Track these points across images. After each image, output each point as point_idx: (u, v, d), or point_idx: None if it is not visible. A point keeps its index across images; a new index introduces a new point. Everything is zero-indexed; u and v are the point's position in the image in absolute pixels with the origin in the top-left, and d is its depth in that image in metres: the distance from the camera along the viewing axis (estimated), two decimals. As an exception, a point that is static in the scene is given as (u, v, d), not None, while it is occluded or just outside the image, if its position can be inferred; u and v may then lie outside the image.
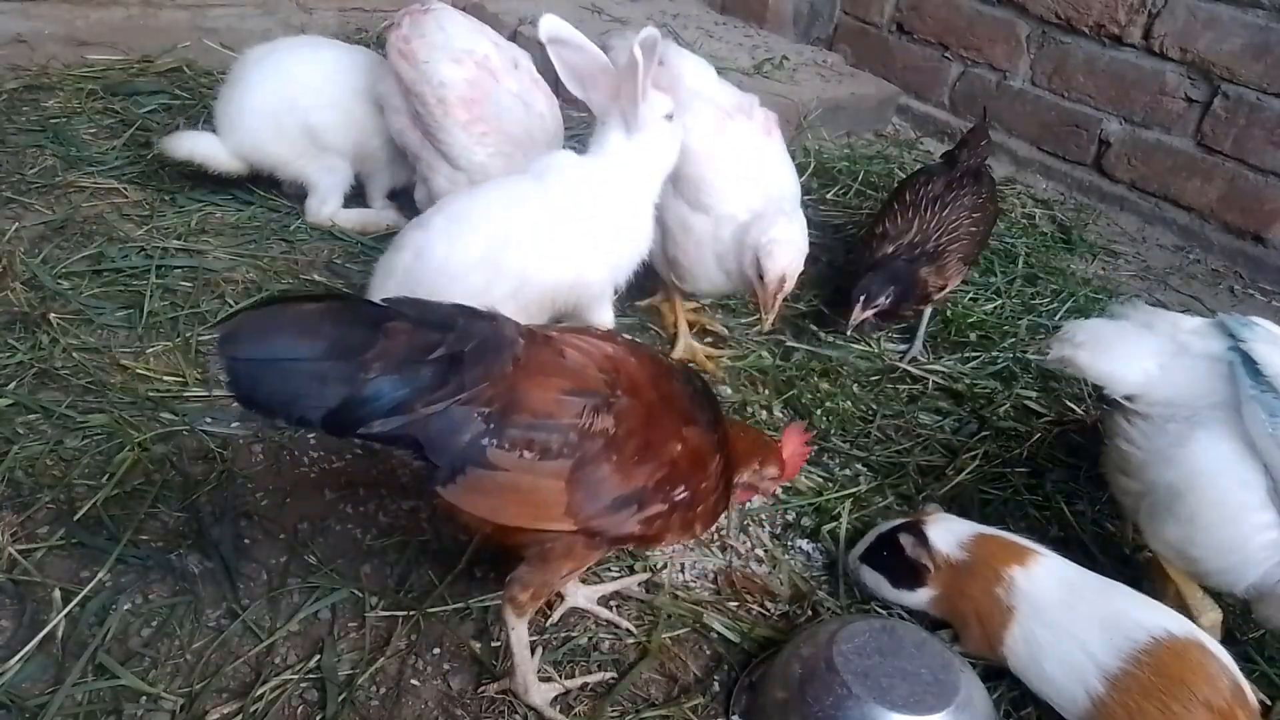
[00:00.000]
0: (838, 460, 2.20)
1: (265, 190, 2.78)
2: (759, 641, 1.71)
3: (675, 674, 1.64)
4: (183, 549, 1.69)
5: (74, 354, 2.07)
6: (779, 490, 2.03)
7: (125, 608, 1.57)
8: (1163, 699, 1.43)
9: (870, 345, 2.63)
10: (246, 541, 1.73)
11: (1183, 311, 1.96)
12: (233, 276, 2.43)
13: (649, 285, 2.48)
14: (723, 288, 2.38)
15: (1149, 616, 1.53)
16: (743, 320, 2.68)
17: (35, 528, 1.68)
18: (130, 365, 2.07)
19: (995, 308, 2.88)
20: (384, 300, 1.31)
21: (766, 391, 2.39)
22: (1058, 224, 3.50)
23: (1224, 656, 1.49)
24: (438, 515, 1.83)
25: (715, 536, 1.94)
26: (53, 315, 2.15)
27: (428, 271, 1.91)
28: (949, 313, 2.77)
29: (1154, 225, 3.58)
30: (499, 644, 1.63)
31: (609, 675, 1.61)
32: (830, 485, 2.10)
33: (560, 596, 1.71)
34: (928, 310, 2.62)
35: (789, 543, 1.97)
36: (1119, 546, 2.03)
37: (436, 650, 1.61)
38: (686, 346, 2.47)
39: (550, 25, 2.01)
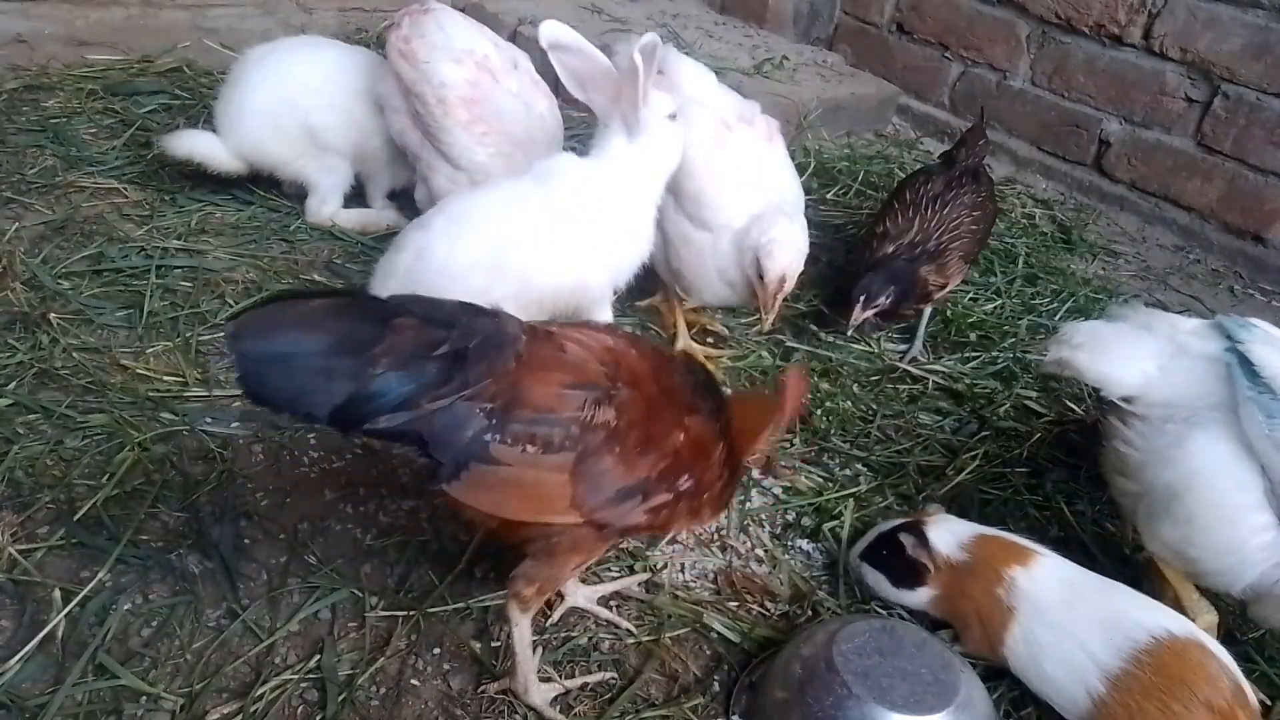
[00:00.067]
0: (838, 460, 2.20)
1: (265, 190, 2.78)
2: (759, 641, 1.71)
3: (675, 674, 1.64)
4: (183, 549, 1.69)
5: (74, 354, 2.07)
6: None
7: (125, 608, 1.57)
8: (1163, 699, 1.43)
9: (870, 345, 2.63)
10: (246, 541, 1.73)
11: (1183, 311, 1.96)
12: (233, 276, 2.43)
13: (649, 285, 2.48)
14: (727, 299, 2.37)
15: (1149, 616, 1.53)
16: (743, 320, 2.68)
17: (35, 528, 1.68)
18: (130, 365, 2.07)
19: (995, 308, 2.88)
20: (391, 297, 1.31)
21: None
22: (1058, 224, 3.50)
23: (1224, 656, 1.49)
24: (440, 513, 1.83)
25: (715, 536, 1.94)
26: (53, 315, 2.15)
27: (428, 273, 1.91)
28: (949, 313, 2.77)
29: (1154, 225, 3.58)
30: (499, 644, 1.63)
31: (609, 675, 1.61)
32: (830, 485, 2.10)
33: (560, 596, 1.71)
34: (928, 310, 2.62)
35: (789, 543, 1.97)
36: (1119, 546, 2.03)
37: (436, 650, 1.61)
38: (685, 347, 2.47)
39: (550, 31, 2.00)
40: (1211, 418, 1.61)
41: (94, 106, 3.06)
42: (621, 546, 1.86)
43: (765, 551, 1.93)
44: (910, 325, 2.67)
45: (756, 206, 2.22)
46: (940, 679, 1.48)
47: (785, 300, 2.24)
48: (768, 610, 1.80)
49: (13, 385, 1.96)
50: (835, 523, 1.99)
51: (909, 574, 1.72)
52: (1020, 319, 2.83)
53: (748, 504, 2.03)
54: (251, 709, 1.45)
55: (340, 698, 1.49)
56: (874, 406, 2.38)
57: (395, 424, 1.25)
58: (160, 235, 2.53)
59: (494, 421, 1.28)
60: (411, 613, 1.65)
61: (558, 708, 1.53)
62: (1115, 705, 1.47)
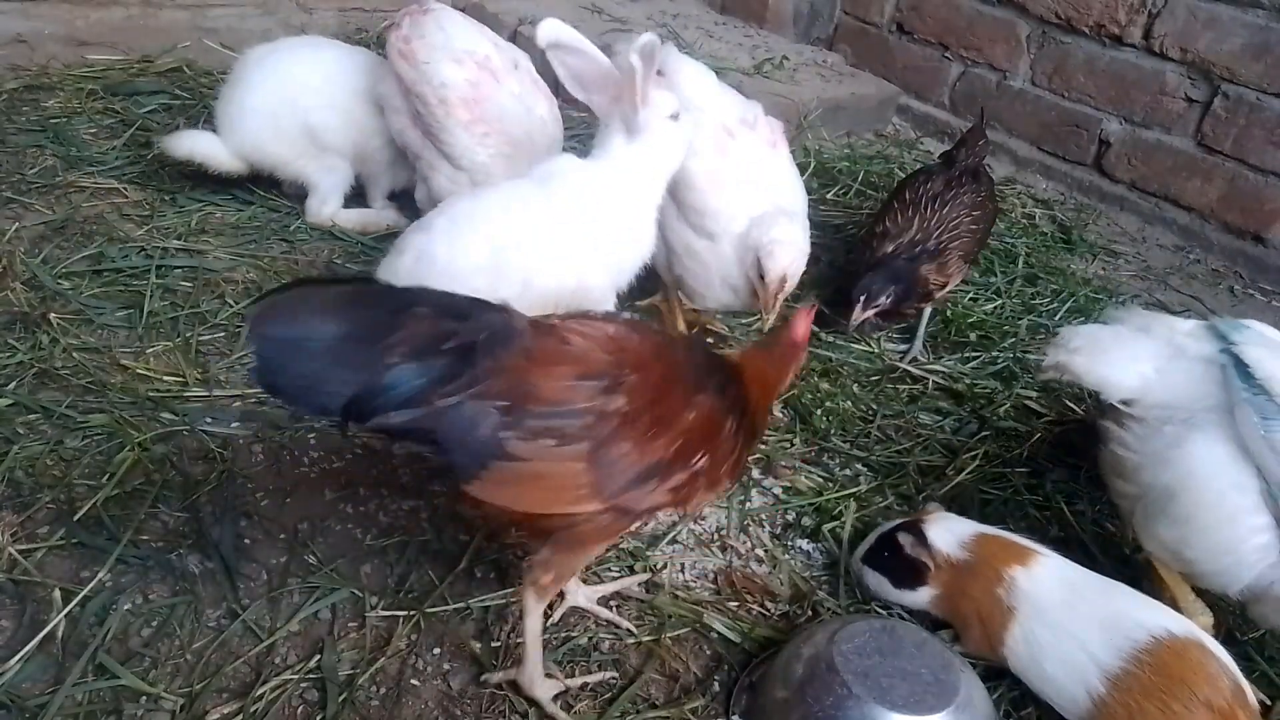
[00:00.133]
0: (838, 460, 2.20)
1: (265, 190, 2.78)
2: (759, 641, 1.71)
3: (676, 674, 1.64)
4: (183, 549, 1.69)
5: (74, 354, 2.07)
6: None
7: (125, 608, 1.57)
8: (1163, 699, 1.43)
9: (870, 345, 2.63)
10: (246, 541, 1.73)
11: (1183, 312, 1.96)
12: (233, 276, 2.43)
13: (649, 285, 2.48)
14: (731, 304, 2.36)
15: (1149, 616, 1.53)
16: (743, 320, 2.68)
17: (35, 528, 1.68)
18: (130, 365, 2.07)
19: (995, 308, 2.88)
20: (408, 287, 1.32)
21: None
22: (1058, 224, 3.50)
23: (1224, 656, 1.49)
24: (440, 513, 1.83)
25: (715, 536, 1.94)
26: (53, 315, 2.15)
27: (430, 274, 1.90)
28: (949, 313, 2.77)
29: (1154, 225, 3.58)
30: (499, 644, 1.63)
31: (609, 675, 1.61)
32: (830, 485, 2.10)
33: (561, 596, 1.71)
34: (928, 310, 2.62)
35: (789, 543, 1.97)
36: (1119, 546, 2.03)
37: (437, 650, 1.61)
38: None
39: (549, 30, 1.98)
40: (1209, 420, 1.61)
41: (94, 106, 3.06)
42: (621, 546, 1.86)
43: (765, 551, 1.93)
44: (910, 325, 2.67)
45: (758, 210, 2.21)
46: (940, 679, 1.48)
47: (786, 300, 2.24)
48: (768, 610, 1.80)
49: (13, 385, 1.96)
50: (835, 523, 1.99)
51: (909, 574, 1.72)
52: (1020, 319, 2.83)
53: (748, 504, 2.03)
54: (251, 709, 1.45)
55: (340, 698, 1.49)
56: (874, 406, 2.38)
57: (405, 420, 1.26)
58: (160, 235, 2.53)
59: (508, 418, 1.29)
60: (412, 613, 1.65)
61: (559, 704, 1.53)
62: (1115, 705, 1.47)
